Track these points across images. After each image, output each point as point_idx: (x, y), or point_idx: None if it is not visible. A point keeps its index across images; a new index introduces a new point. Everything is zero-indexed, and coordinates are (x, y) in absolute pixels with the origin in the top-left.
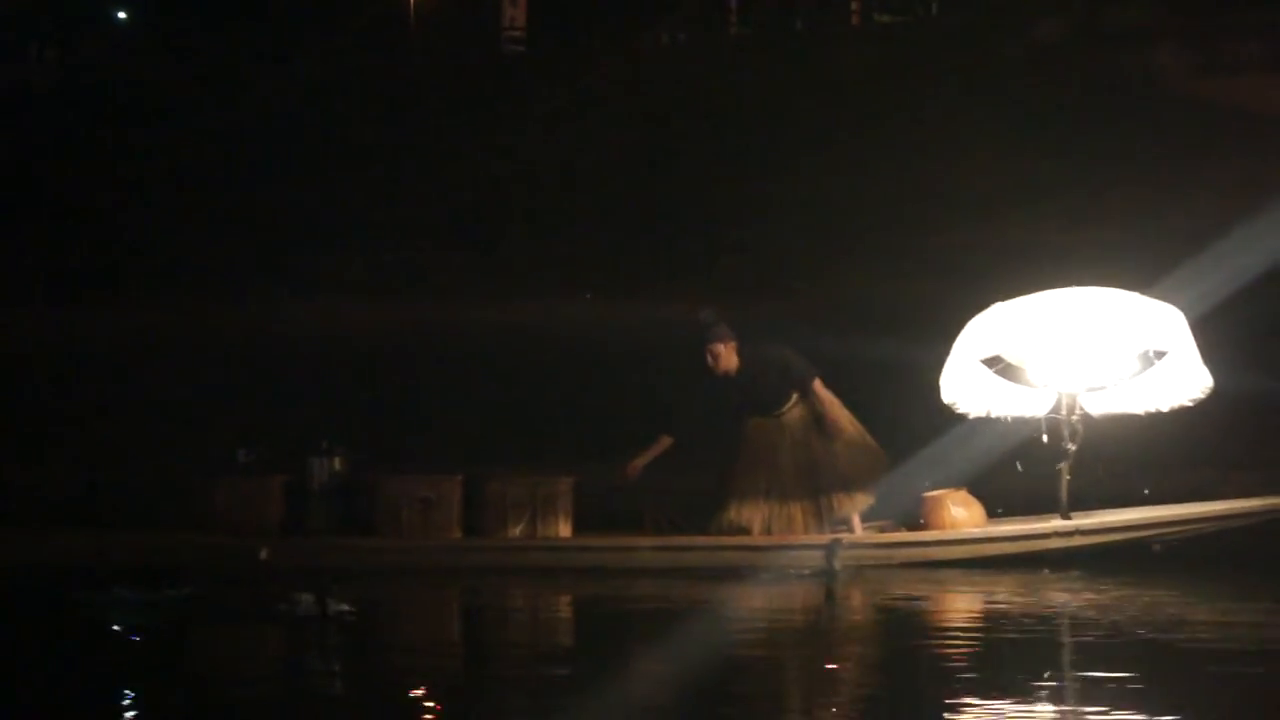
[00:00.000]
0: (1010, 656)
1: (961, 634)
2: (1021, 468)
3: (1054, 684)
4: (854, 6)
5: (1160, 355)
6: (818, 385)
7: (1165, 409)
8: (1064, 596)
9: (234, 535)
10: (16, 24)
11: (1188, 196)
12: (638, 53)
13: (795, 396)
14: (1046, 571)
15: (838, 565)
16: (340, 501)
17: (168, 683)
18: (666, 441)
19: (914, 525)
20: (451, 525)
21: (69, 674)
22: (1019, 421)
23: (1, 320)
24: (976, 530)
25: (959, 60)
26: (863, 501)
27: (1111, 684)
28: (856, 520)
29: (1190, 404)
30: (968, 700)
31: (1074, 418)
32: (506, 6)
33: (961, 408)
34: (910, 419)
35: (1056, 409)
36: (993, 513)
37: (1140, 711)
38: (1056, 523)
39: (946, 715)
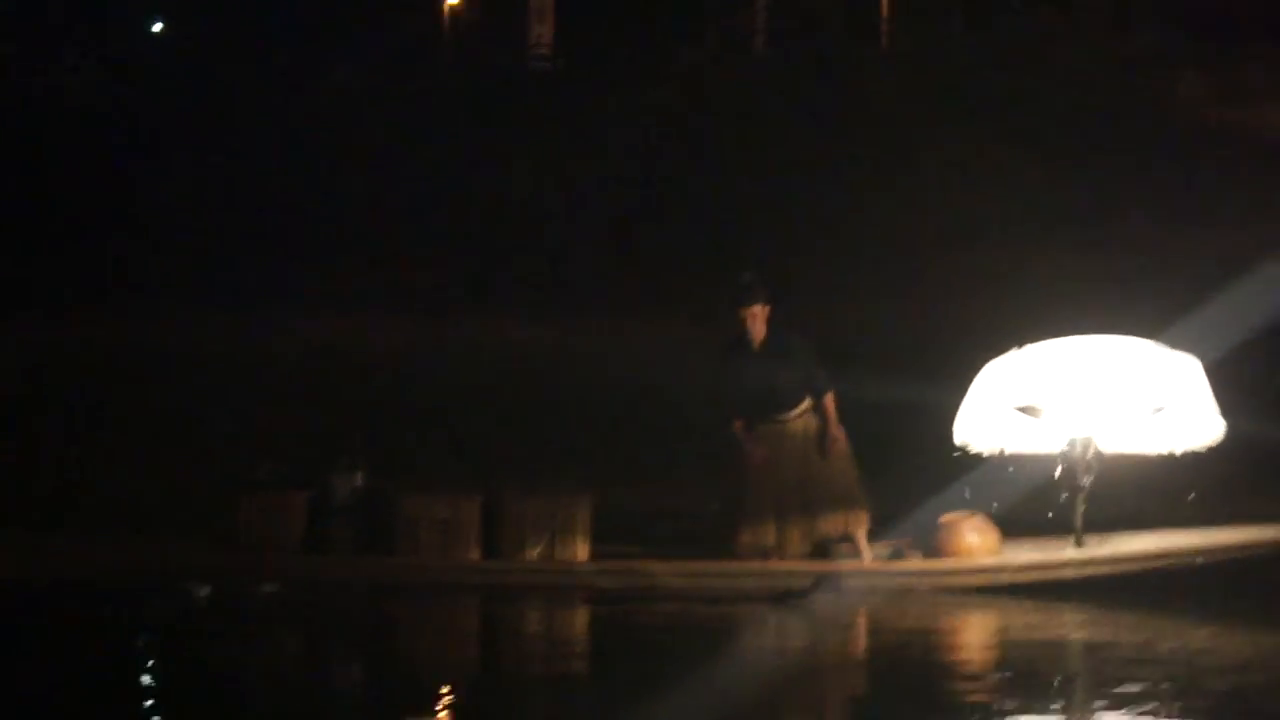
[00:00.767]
0: (1021, 684)
1: (974, 660)
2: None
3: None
4: (884, 29)
5: (1175, 403)
6: (831, 398)
7: (1178, 452)
8: (1078, 624)
9: (256, 549)
10: (53, 33)
11: (1205, 225)
12: (663, 72)
13: (807, 401)
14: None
15: (819, 594)
16: (361, 519)
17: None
18: (740, 424)
19: (929, 550)
20: (470, 545)
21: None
22: (1034, 459)
23: (23, 330)
24: (991, 558)
25: (978, 85)
26: (863, 521)
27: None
28: (864, 543)
29: (1203, 450)
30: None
31: (1089, 456)
32: (534, 24)
33: (975, 447)
34: (917, 443)
35: (1071, 447)
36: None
37: None
38: (1071, 551)
39: None
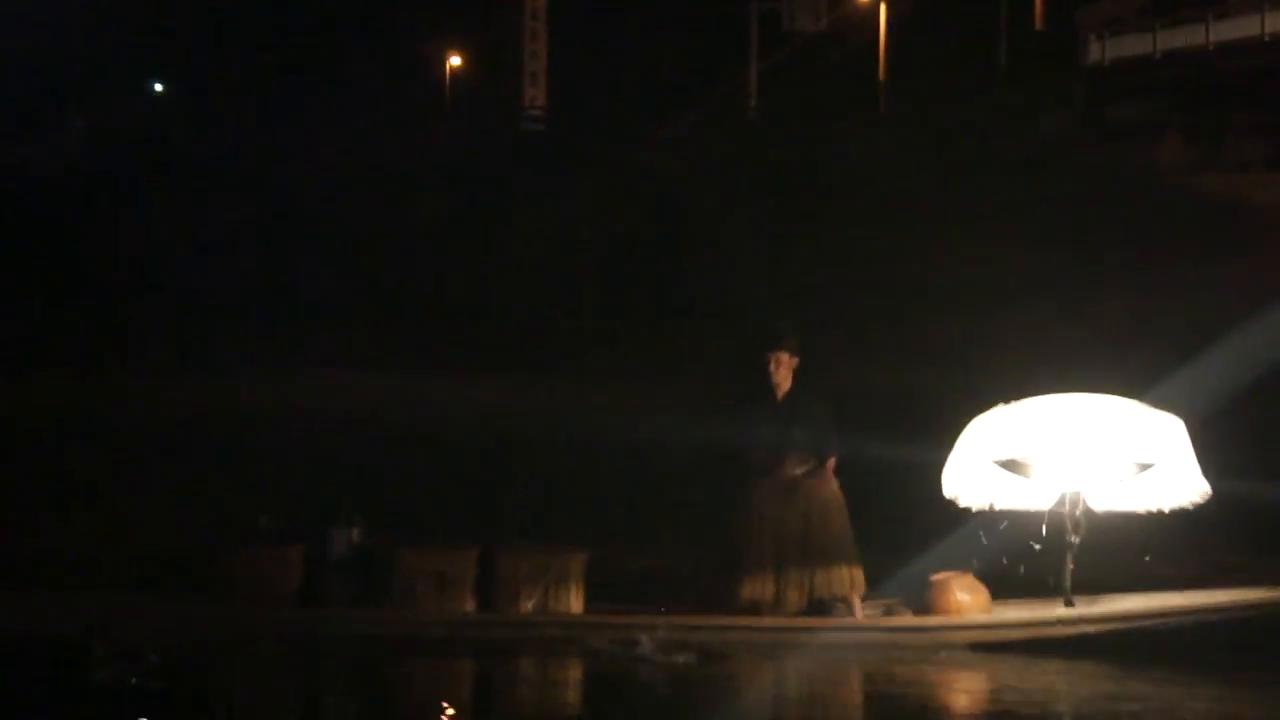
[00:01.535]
0: None
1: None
2: (1039, 547)
3: None
4: (882, 92)
5: (1161, 461)
6: (833, 461)
7: (1166, 509)
8: (1067, 682)
9: (251, 603)
10: (54, 94)
11: (1187, 292)
12: (654, 136)
13: (812, 461)
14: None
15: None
16: (357, 572)
17: None
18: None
19: (920, 608)
20: (465, 599)
21: None
22: (1023, 514)
23: (18, 386)
24: (981, 616)
25: (964, 152)
26: (859, 580)
27: None
28: (857, 601)
29: (1190, 507)
30: None
31: (1077, 512)
32: (527, 86)
33: (963, 501)
34: (906, 502)
35: (1060, 504)
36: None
37: None
38: (1061, 610)
39: None
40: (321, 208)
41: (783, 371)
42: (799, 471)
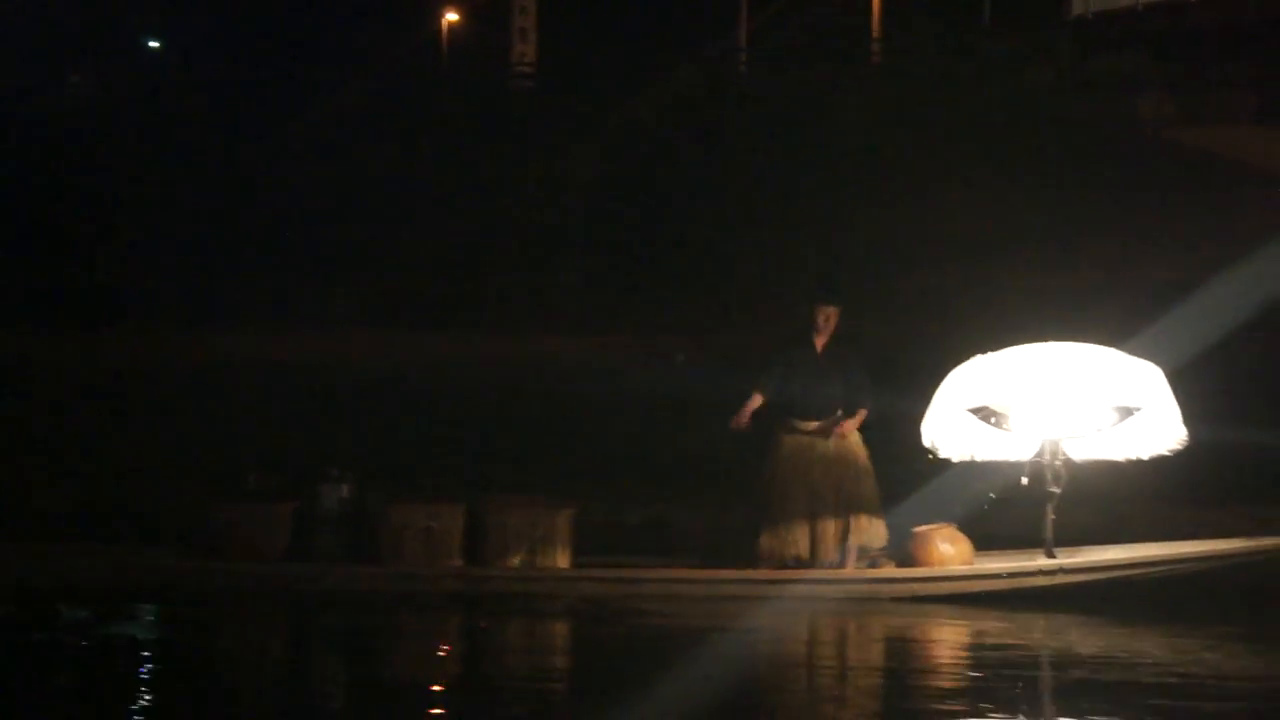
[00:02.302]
0: (987, 689)
1: (945, 668)
2: (994, 496)
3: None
4: (874, 49)
5: (1139, 409)
6: (863, 414)
7: (1145, 457)
8: (1047, 632)
9: (241, 559)
10: (50, 51)
11: (1166, 244)
12: (643, 92)
13: (840, 413)
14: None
15: None
16: (347, 528)
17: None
18: (757, 398)
19: (903, 560)
20: (453, 554)
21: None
22: (1003, 465)
23: (7, 342)
24: (963, 567)
25: (948, 104)
26: (882, 534)
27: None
28: (853, 554)
29: (1169, 453)
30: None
31: (1057, 462)
32: (517, 42)
33: (944, 452)
34: (890, 455)
35: (1040, 454)
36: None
37: None
38: (1042, 561)
39: None
40: (313, 164)
41: (830, 324)
42: (822, 424)
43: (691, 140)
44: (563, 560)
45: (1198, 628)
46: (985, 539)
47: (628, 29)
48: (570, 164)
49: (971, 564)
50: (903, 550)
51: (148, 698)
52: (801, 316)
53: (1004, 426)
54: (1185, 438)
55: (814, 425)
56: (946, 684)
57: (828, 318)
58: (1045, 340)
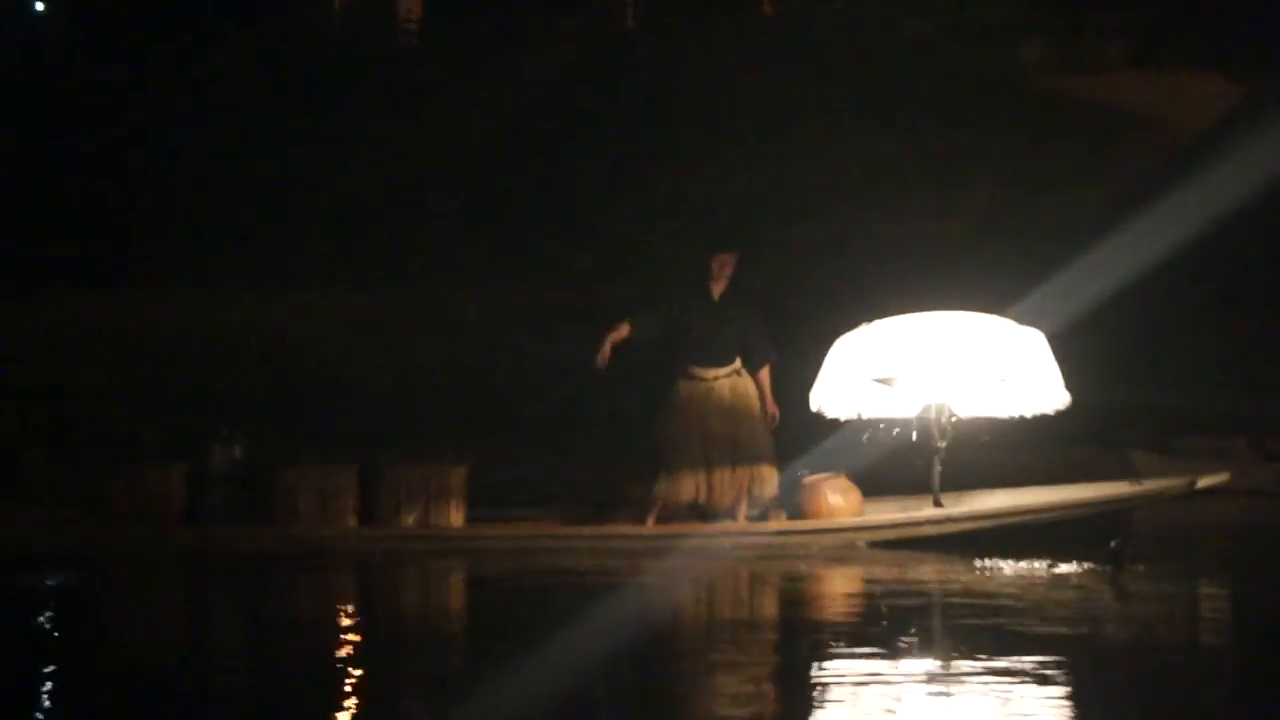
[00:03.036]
0: (873, 634)
1: (833, 613)
2: (866, 439)
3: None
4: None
5: (1021, 373)
6: (768, 370)
7: (1029, 415)
8: (933, 578)
9: (135, 520)
10: None
11: (1048, 190)
12: (529, 48)
13: (736, 362)
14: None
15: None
16: (239, 489)
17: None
18: (625, 328)
19: (794, 511)
20: (347, 514)
21: None
22: (890, 422)
23: None
24: (853, 518)
25: (829, 52)
26: (774, 484)
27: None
28: (743, 506)
29: (1052, 414)
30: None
31: (943, 418)
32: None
33: (830, 413)
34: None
35: (926, 411)
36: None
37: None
38: (930, 510)
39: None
40: (201, 126)
41: (726, 271)
42: (722, 372)
43: (578, 95)
44: (457, 518)
45: (1082, 569)
46: (878, 488)
47: None
48: (454, 121)
49: (862, 513)
50: (793, 501)
51: (41, 659)
52: (697, 264)
53: (891, 387)
54: (1067, 401)
55: (712, 374)
56: (840, 628)
57: (723, 264)
58: (928, 296)
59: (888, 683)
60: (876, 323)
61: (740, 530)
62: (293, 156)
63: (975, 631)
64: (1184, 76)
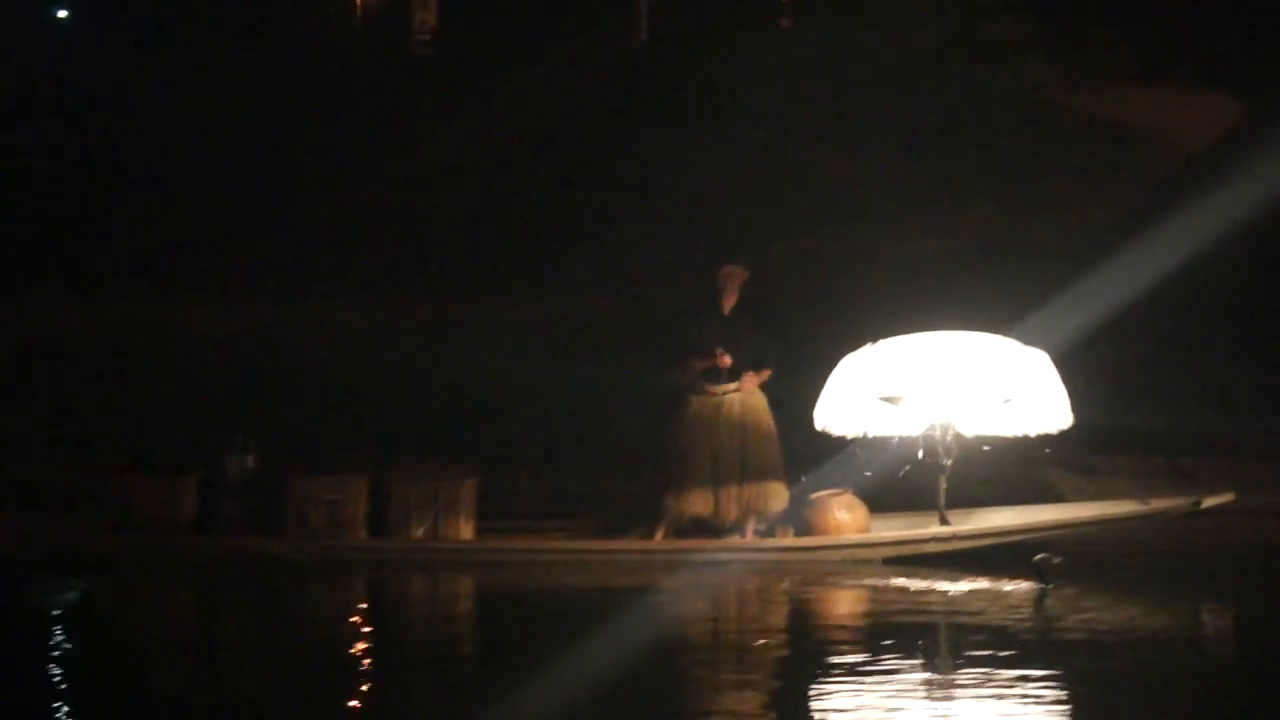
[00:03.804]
0: (884, 649)
1: (841, 628)
2: (867, 458)
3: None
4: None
5: (1025, 394)
6: (768, 372)
7: (1032, 435)
8: (939, 595)
9: (150, 529)
10: None
11: (1052, 207)
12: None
13: (744, 377)
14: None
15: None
16: (252, 498)
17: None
18: (698, 363)
19: (801, 528)
20: (357, 525)
21: None
22: (897, 441)
23: None
24: (859, 535)
25: (834, 67)
26: (783, 499)
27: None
28: (751, 522)
29: (1055, 434)
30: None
31: (948, 437)
32: (417, 10)
33: (836, 431)
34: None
35: (931, 429)
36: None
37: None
38: (935, 527)
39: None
40: (217, 132)
41: (735, 284)
42: (732, 386)
43: (588, 108)
44: (466, 530)
45: (1084, 585)
46: (883, 505)
47: None
48: (466, 131)
49: (868, 530)
50: (800, 517)
51: (55, 665)
52: (708, 280)
53: (896, 406)
54: (1070, 422)
55: (723, 389)
56: (840, 642)
57: (730, 276)
58: (931, 312)
59: (890, 696)
60: (882, 342)
61: (748, 546)
62: (307, 164)
63: (976, 646)
64: (1189, 93)
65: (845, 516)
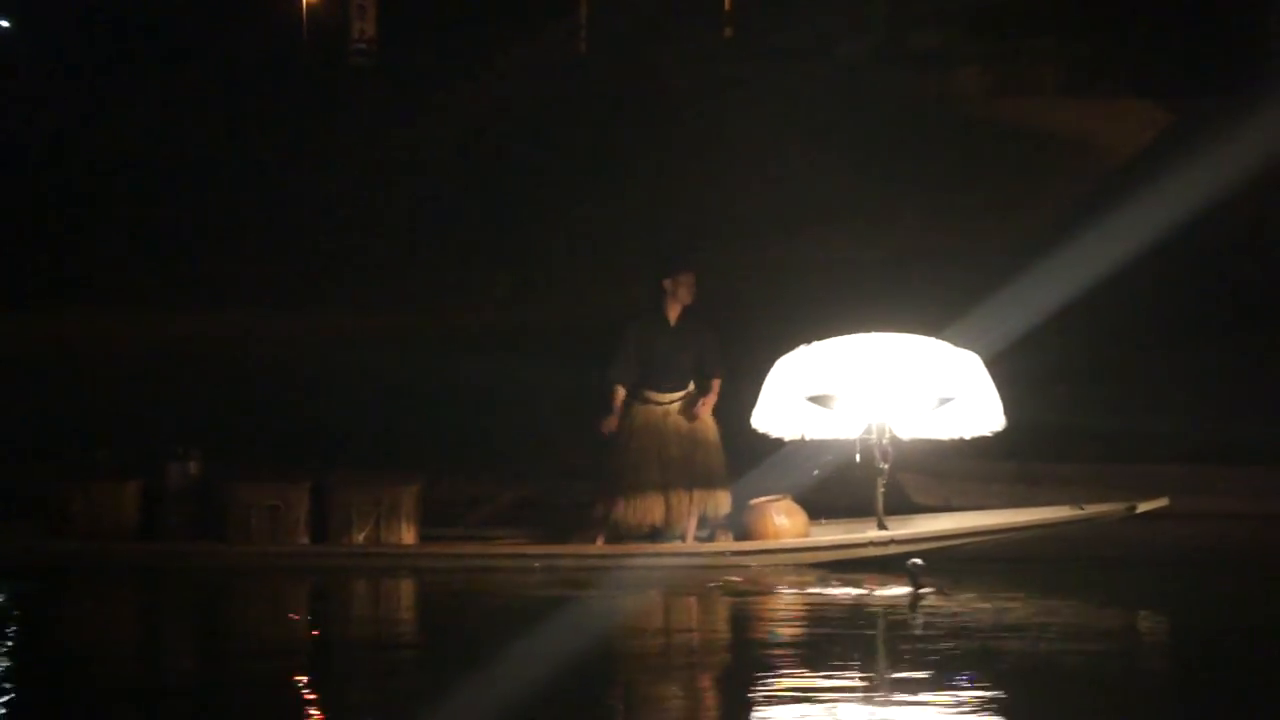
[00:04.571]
0: (815, 652)
1: (777, 632)
2: (818, 472)
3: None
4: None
5: (959, 395)
6: (718, 383)
7: (967, 437)
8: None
9: (92, 536)
10: None
11: (981, 215)
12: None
13: (691, 385)
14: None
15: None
16: (194, 506)
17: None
18: (621, 392)
19: (739, 532)
20: (299, 531)
21: None
22: (834, 444)
23: None
24: (797, 540)
25: (764, 79)
26: (726, 505)
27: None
28: (692, 527)
29: (989, 435)
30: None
31: (884, 440)
32: (355, 19)
33: (775, 434)
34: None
35: (868, 432)
36: (816, 519)
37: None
38: (873, 532)
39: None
40: (160, 144)
41: (682, 293)
42: (676, 396)
43: (527, 119)
44: (408, 536)
45: (1020, 589)
46: (823, 510)
47: (472, 6)
48: (399, 143)
49: (807, 535)
50: (739, 522)
51: None
52: (652, 288)
53: (831, 408)
54: (1001, 424)
55: (669, 398)
56: (786, 647)
57: (678, 286)
58: (861, 318)
59: (827, 701)
60: (815, 344)
61: (688, 551)
62: (245, 175)
63: (915, 649)
64: (1115, 103)
65: (784, 522)
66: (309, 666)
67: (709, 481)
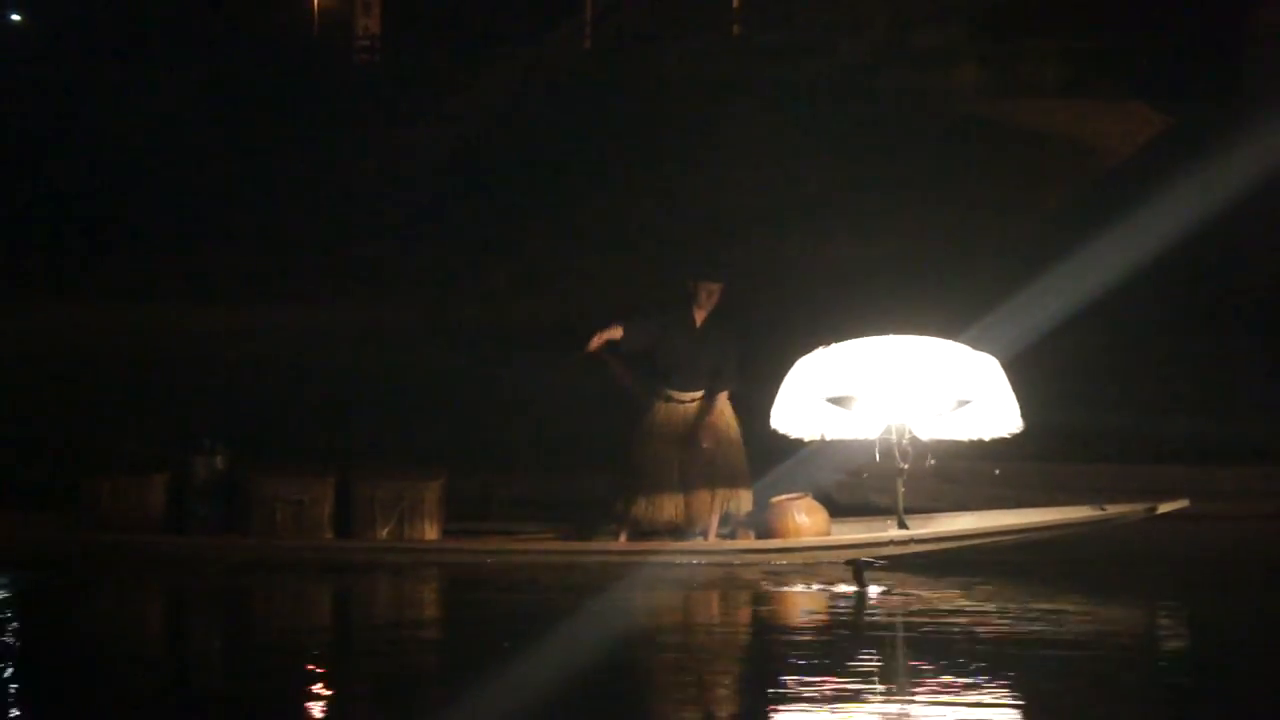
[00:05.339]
0: (837, 652)
1: (797, 631)
2: (866, 476)
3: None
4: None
5: (977, 398)
6: (726, 395)
7: (986, 439)
8: (894, 597)
9: (118, 530)
10: None
11: (978, 215)
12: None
13: (713, 412)
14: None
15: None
16: (220, 500)
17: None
18: (617, 330)
19: (760, 531)
20: (323, 526)
21: None
22: (854, 444)
23: None
24: (818, 538)
25: (762, 78)
26: (748, 502)
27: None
28: (715, 525)
29: (1008, 437)
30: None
31: (904, 440)
32: (360, 17)
33: (794, 434)
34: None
35: (887, 433)
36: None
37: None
38: (894, 531)
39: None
40: (169, 143)
41: (711, 300)
42: (690, 397)
43: (531, 114)
44: (431, 532)
45: (1047, 591)
46: (844, 509)
47: (477, 2)
48: (405, 138)
49: (828, 534)
50: (760, 521)
51: (22, 667)
52: (682, 288)
53: (850, 409)
54: (1020, 426)
55: (689, 396)
56: (808, 647)
57: (710, 294)
58: (854, 319)
59: (844, 700)
60: (835, 345)
61: (711, 548)
62: (255, 170)
63: (936, 647)
64: (1115, 103)
65: (805, 520)
66: (328, 662)
67: (731, 479)
